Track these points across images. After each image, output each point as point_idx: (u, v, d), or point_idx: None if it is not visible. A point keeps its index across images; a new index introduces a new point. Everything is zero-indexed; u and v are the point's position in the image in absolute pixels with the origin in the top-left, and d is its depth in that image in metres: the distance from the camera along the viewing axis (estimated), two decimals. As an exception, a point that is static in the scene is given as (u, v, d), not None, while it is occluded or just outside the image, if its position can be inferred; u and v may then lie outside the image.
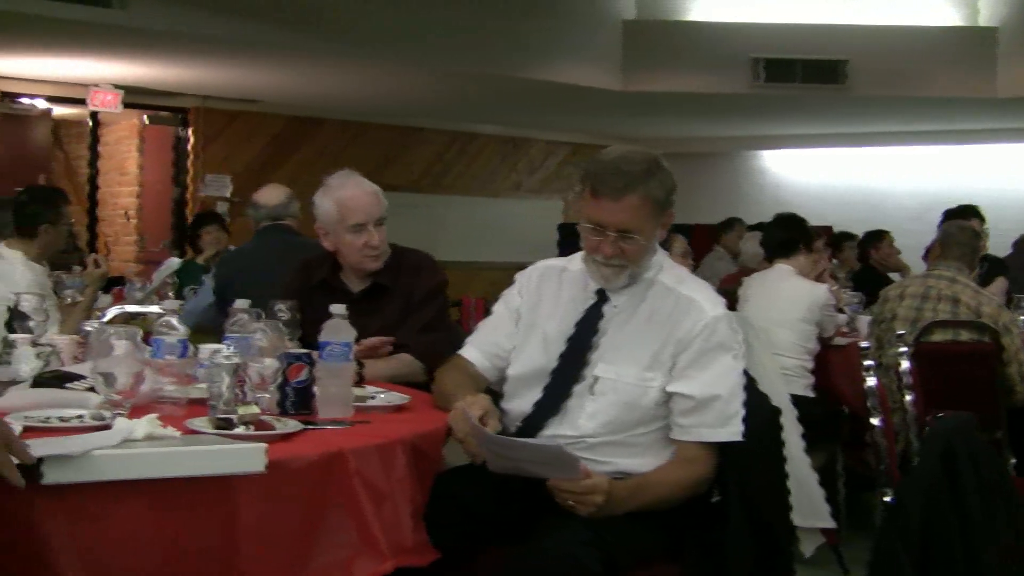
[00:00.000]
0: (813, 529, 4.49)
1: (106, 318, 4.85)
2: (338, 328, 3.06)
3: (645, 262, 3.11)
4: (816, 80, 11.16)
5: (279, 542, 2.44)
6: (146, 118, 12.88)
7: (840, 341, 6.26)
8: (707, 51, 11.35)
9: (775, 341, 5.64)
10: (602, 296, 3.14)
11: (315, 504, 2.51)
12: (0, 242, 5.75)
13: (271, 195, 5.83)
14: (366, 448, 2.64)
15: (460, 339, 3.47)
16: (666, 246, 3.39)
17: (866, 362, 4.73)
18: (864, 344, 5.09)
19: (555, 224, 14.55)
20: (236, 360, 2.84)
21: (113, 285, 7.36)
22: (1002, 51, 11.12)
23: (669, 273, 3.16)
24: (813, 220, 6.48)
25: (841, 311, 6.72)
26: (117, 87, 11.23)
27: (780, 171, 15.81)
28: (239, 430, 2.63)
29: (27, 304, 3.61)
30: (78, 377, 3.00)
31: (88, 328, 3.73)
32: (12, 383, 3.07)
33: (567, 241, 12.55)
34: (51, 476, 2.14)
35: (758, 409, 3.13)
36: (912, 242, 9.83)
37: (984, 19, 11.49)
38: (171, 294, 6.64)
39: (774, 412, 3.25)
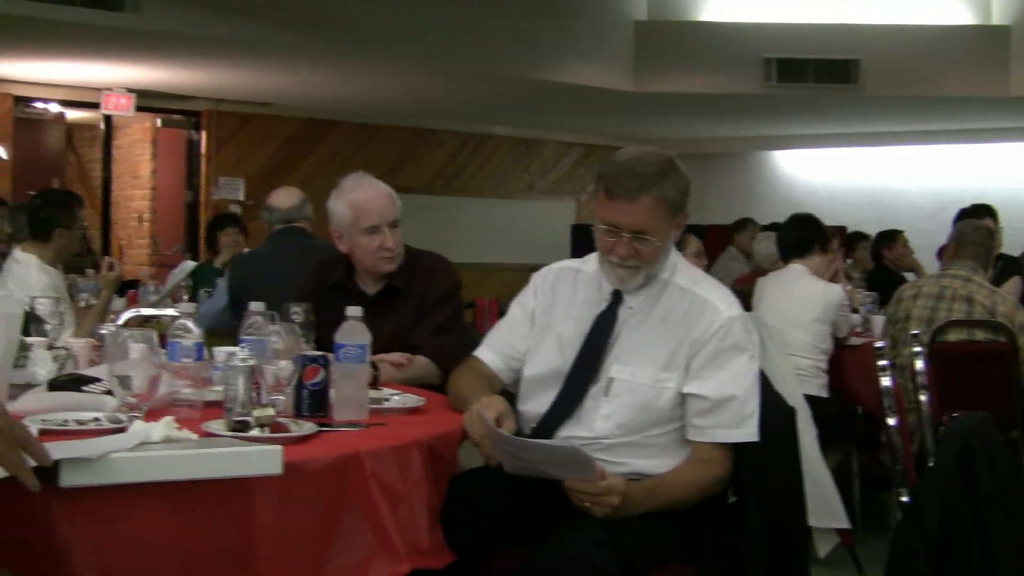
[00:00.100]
0: (828, 529, 4.49)
1: (121, 321, 4.86)
2: (353, 330, 3.05)
3: (660, 263, 3.11)
4: (828, 80, 11.15)
5: (295, 544, 2.44)
6: (159, 121, 12.91)
7: (854, 341, 6.25)
8: (719, 51, 11.35)
9: (789, 341, 5.63)
10: (617, 297, 3.14)
11: (331, 506, 2.51)
12: (15, 246, 5.77)
13: (285, 198, 5.84)
14: (382, 450, 2.64)
15: (475, 341, 3.47)
16: (680, 247, 3.38)
17: (881, 362, 4.72)
18: (879, 344, 5.08)
19: (568, 225, 14.55)
20: (251, 362, 2.84)
21: (127, 288, 7.37)
22: (1015, 50, 11.10)
23: (684, 274, 3.15)
24: (826, 220, 6.46)
25: (855, 311, 6.71)
26: (130, 91, 11.25)
27: (793, 171, 15.79)
28: (255, 432, 2.63)
29: (42, 307, 3.62)
30: (94, 380, 3.01)
31: (103, 331, 3.73)
32: (28, 386, 3.08)
33: (580, 242, 12.55)
34: (68, 479, 2.15)
35: (773, 409, 3.12)
36: (926, 242, 9.83)
37: (997, 18, 11.47)
38: (185, 297, 6.65)
39: (790, 412, 3.24)
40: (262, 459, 2.37)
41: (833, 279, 6.27)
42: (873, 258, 9.67)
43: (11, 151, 11.24)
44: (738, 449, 3.02)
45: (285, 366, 2.89)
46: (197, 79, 11.15)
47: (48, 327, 3.58)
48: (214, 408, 2.92)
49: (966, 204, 8.30)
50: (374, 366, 3.44)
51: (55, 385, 3.02)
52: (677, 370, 3.03)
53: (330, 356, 3.03)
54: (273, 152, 13.02)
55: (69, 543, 2.16)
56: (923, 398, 4.81)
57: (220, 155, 12.69)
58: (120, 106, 11.32)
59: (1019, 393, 5.22)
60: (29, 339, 3.33)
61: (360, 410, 3.01)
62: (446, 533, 2.77)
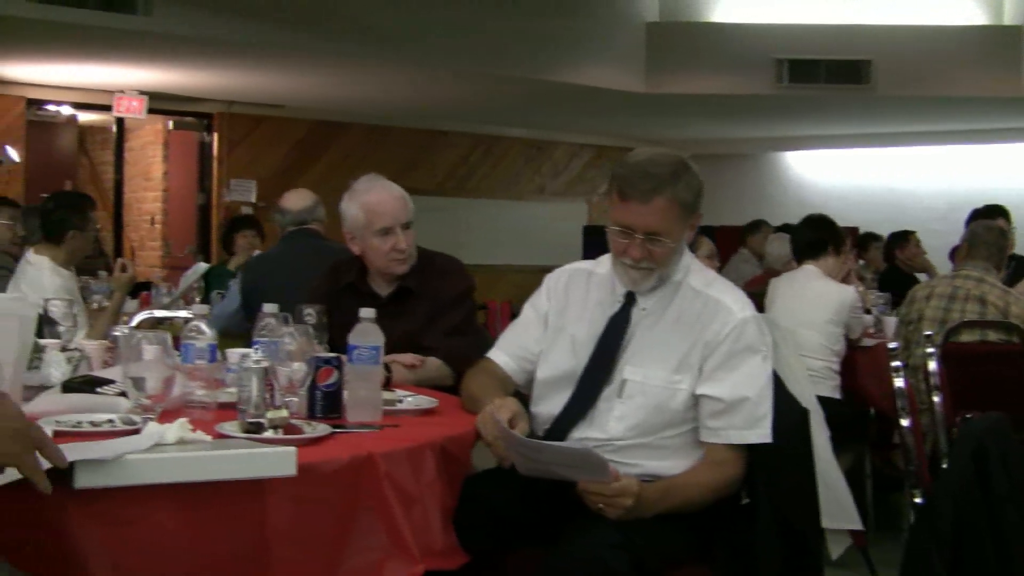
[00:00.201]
0: (841, 531, 4.47)
1: (134, 323, 4.87)
2: (367, 332, 3.05)
3: (673, 264, 3.11)
4: (840, 80, 11.13)
5: (309, 545, 2.45)
6: (171, 124, 12.94)
7: (867, 342, 6.24)
8: (730, 52, 11.34)
9: (802, 343, 5.62)
10: (630, 299, 3.14)
11: (345, 507, 2.52)
12: (28, 248, 5.79)
13: (297, 200, 5.85)
14: (395, 452, 2.64)
15: (488, 343, 3.48)
16: (692, 248, 3.37)
17: (894, 363, 4.72)
18: (892, 345, 5.07)
19: (579, 227, 14.54)
20: (265, 364, 2.85)
21: (140, 290, 7.39)
22: (1028, 50, 11.08)
23: (697, 275, 3.15)
24: (838, 221, 6.45)
25: (868, 312, 6.70)
26: (142, 93, 11.28)
27: (804, 172, 15.77)
28: (269, 434, 2.64)
29: (56, 309, 3.62)
30: (108, 382, 3.01)
31: (116, 333, 3.74)
32: (43, 388, 3.09)
33: (592, 243, 12.54)
34: (83, 480, 2.15)
35: (787, 411, 3.12)
36: (938, 242, 9.81)
37: (1009, 17, 11.44)
38: (197, 299, 6.66)
39: (803, 414, 3.24)
40: (276, 460, 2.37)
41: (845, 280, 6.26)
42: (885, 259, 9.66)
43: (24, 154, 11.26)
44: (751, 450, 3.01)
45: (299, 368, 2.89)
46: (209, 81, 11.17)
47: (61, 329, 3.58)
48: (228, 410, 2.93)
49: (978, 204, 8.29)
50: (387, 367, 3.44)
51: (69, 387, 3.03)
52: (690, 372, 3.03)
53: (343, 358, 3.04)
54: (285, 154, 13.03)
55: (83, 544, 2.17)
56: (936, 399, 4.80)
57: (232, 157, 12.71)
58: (132, 108, 11.34)
59: (1032, 393, 5.21)
60: (43, 341, 3.34)
61: (374, 411, 3.01)
62: (459, 534, 2.78)
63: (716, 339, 3.02)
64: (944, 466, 4.06)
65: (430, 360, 3.85)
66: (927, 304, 5.66)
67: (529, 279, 3.85)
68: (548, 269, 3.39)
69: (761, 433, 2.99)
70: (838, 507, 4.31)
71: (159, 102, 11.62)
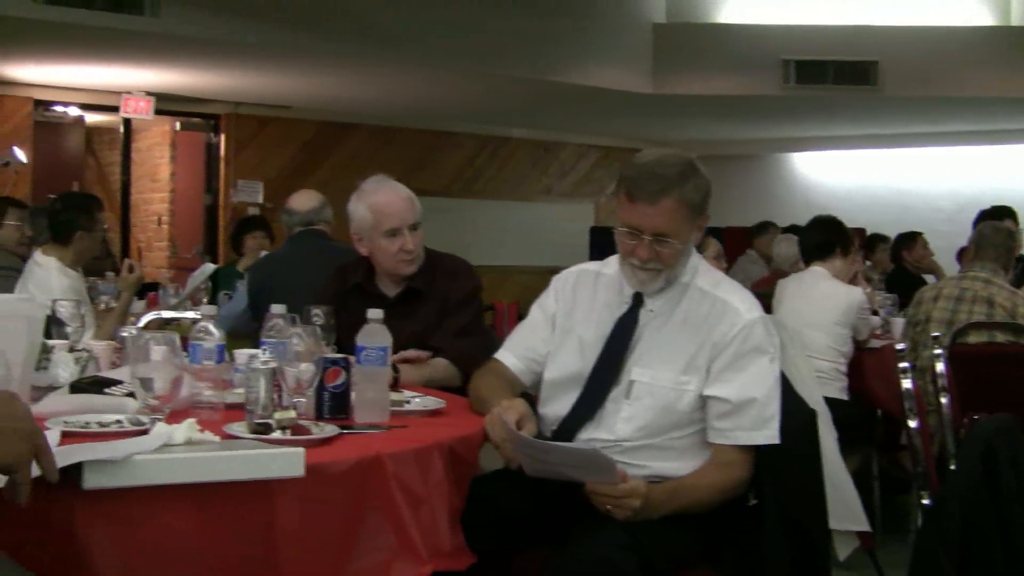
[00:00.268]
0: (848, 532, 4.46)
1: (141, 324, 4.88)
2: (374, 332, 3.06)
3: (681, 266, 3.10)
4: (847, 81, 11.13)
5: (317, 546, 2.45)
6: (178, 125, 12.97)
7: (874, 344, 6.23)
8: (737, 53, 11.33)
9: (809, 344, 5.62)
10: (638, 300, 3.14)
11: (353, 508, 2.52)
12: (35, 249, 5.79)
13: (304, 201, 5.85)
14: (403, 452, 2.64)
15: (495, 344, 3.48)
16: (700, 249, 3.37)
17: (901, 364, 4.71)
18: (899, 346, 5.06)
19: (587, 227, 14.53)
20: (273, 365, 2.84)
21: (147, 291, 7.40)
22: (1035, 51, 11.07)
23: (705, 276, 3.15)
24: (845, 222, 6.44)
25: (875, 313, 6.69)
26: (149, 94, 11.29)
27: (812, 173, 15.75)
28: (277, 435, 2.64)
29: (63, 310, 3.62)
30: (116, 382, 3.01)
31: (124, 333, 3.74)
32: (51, 388, 3.09)
33: (599, 244, 12.53)
34: (91, 481, 2.15)
35: (794, 412, 3.12)
36: (945, 243, 9.80)
37: (1016, 18, 11.44)
38: (204, 300, 6.66)
39: (811, 415, 3.23)
40: (284, 461, 2.37)
41: (853, 281, 6.25)
42: (893, 260, 9.65)
43: (31, 155, 11.27)
44: (759, 451, 3.01)
45: (306, 368, 2.89)
46: (216, 82, 11.18)
47: (69, 330, 3.58)
48: (236, 410, 2.93)
49: (986, 206, 8.28)
50: (394, 368, 3.44)
51: (77, 387, 3.03)
52: (698, 373, 3.03)
53: (351, 358, 3.04)
54: (292, 155, 13.04)
55: (92, 545, 2.16)
56: (943, 400, 4.78)
57: (239, 158, 12.72)
58: (139, 109, 11.35)
59: (1040, 395, 5.20)
60: (51, 342, 3.35)
61: (381, 412, 3.01)
62: (467, 535, 2.77)
63: (724, 340, 3.02)
64: (952, 467, 4.05)
65: (438, 361, 3.85)
66: (934, 305, 5.65)
67: (536, 280, 3.86)
68: (555, 270, 3.39)
69: (769, 434, 2.99)
70: (845, 508, 4.30)
71: (166, 103, 11.64)
